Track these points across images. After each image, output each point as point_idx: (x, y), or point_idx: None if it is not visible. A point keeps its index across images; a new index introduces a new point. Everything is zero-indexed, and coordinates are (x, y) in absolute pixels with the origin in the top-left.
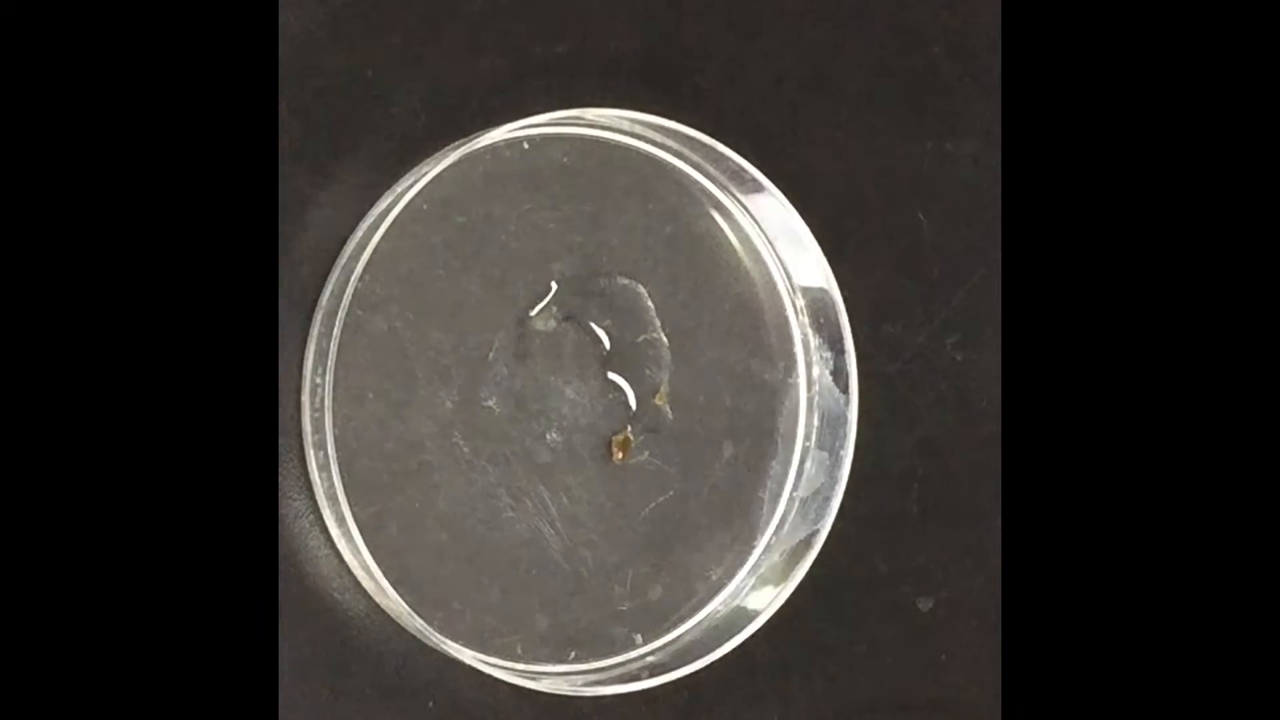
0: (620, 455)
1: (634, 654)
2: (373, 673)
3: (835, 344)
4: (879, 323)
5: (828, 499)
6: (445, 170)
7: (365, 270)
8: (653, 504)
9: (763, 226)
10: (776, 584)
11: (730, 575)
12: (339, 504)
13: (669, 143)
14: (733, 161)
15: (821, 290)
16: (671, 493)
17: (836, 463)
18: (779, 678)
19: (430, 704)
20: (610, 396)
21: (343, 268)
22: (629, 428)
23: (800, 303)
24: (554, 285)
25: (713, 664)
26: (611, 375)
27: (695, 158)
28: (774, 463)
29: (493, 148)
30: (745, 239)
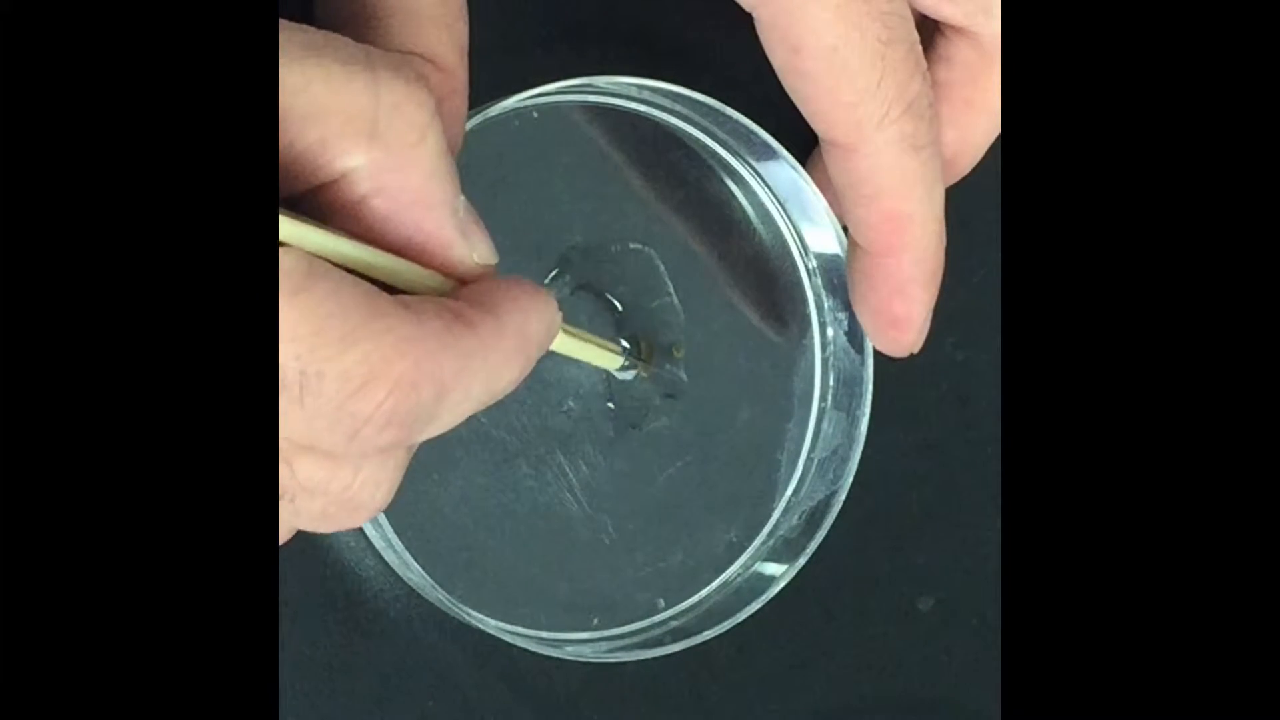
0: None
1: (657, 619)
2: (377, 659)
3: (849, 305)
4: None
5: (845, 459)
6: None
7: None
8: (671, 469)
9: (774, 189)
10: (797, 546)
11: (750, 538)
12: None
13: (679, 108)
14: (743, 126)
15: (834, 252)
16: (689, 457)
17: (853, 423)
18: (779, 677)
19: (430, 703)
20: (625, 363)
21: None
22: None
23: (813, 264)
24: (566, 254)
25: (712, 664)
26: (625, 342)
27: (705, 123)
28: (790, 424)
29: (502, 117)
30: (757, 202)
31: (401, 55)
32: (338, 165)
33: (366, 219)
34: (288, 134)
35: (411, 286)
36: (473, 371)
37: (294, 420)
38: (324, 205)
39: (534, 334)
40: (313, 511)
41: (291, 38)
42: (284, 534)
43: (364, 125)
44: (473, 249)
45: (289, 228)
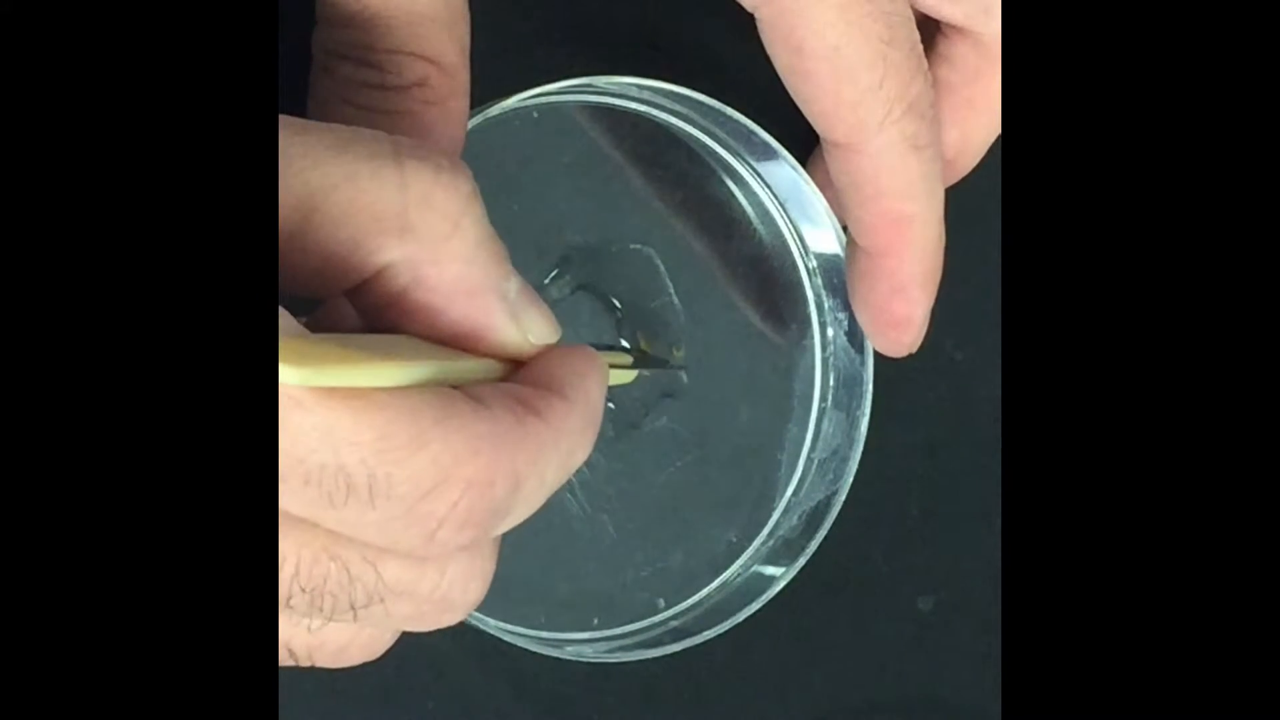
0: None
1: (657, 619)
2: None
3: (849, 304)
4: None
5: (845, 459)
6: None
7: None
8: (671, 469)
9: (774, 189)
10: (797, 546)
11: (750, 538)
12: None
13: (679, 108)
14: (743, 126)
15: (834, 252)
16: (689, 457)
17: (853, 423)
18: (779, 677)
19: (430, 703)
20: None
21: None
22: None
23: (813, 264)
24: (566, 254)
25: (712, 663)
26: (625, 341)
27: (705, 123)
28: (790, 424)
29: (502, 117)
30: (757, 202)
31: (432, 144)
32: (372, 262)
33: (411, 310)
34: (318, 236)
35: (470, 379)
36: (546, 459)
37: (369, 523)
38: (369, 299)
39: (597, 403)
40: (406, 613)
41: (318, 138)
42: (387, 639)
43: (394, 221)
44: (528, 330)
45: (335, 370)
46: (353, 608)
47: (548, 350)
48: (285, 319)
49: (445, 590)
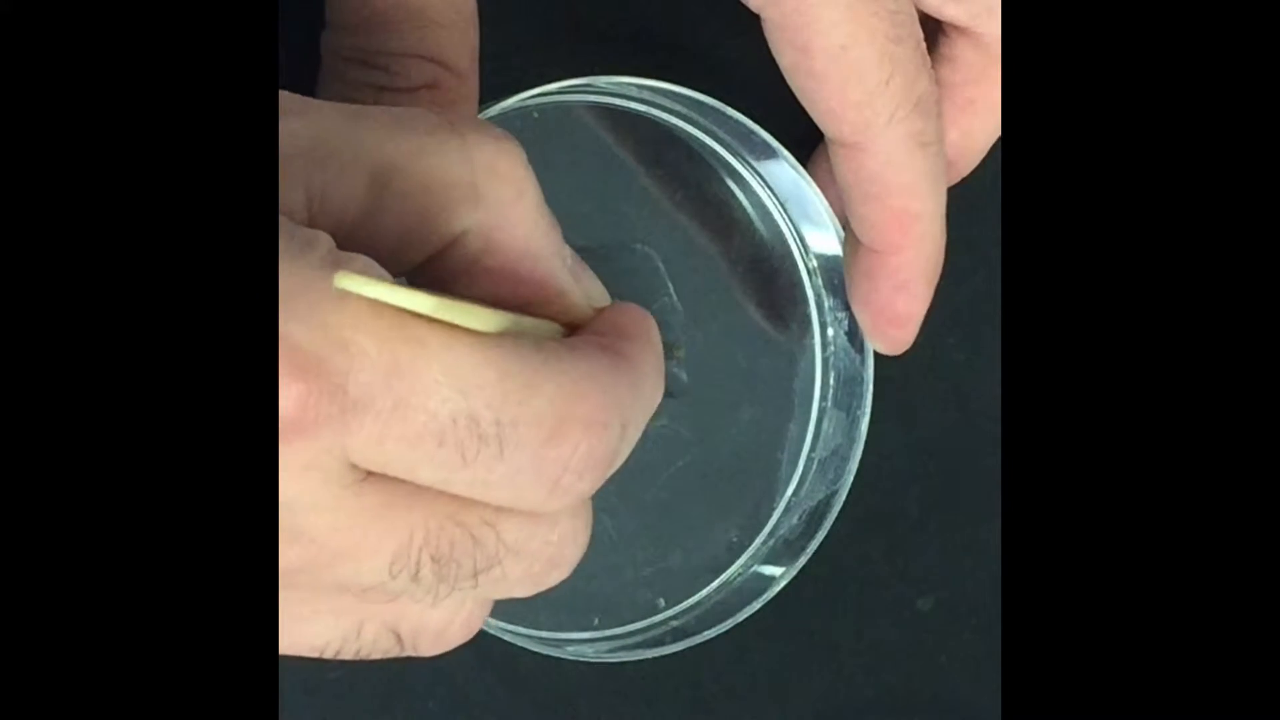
0: None
1: (657, 618)
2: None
3: (849, 304)
4: None
5: (845, 459)
6: None
7: None
8: (672, 469)
9: (774, 189)
10: (797, 546)
11: (750, 538)
12: None
13: (679, 108)
14: (743, 126)
15: (834, 252)
16: (689, 457)
17: (853, 422)
18: (779, 677)
19: (430, 703)
20: None
21: None
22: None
23: (813, 264)
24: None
25: (712, 663)
26: None
27: (705, 122)
28: (791, 424)
29: (502, 118)
30: (757, 202)
31: (484, 118)
32: (447, 231)
33: (482, 277)
34: (393, 210)
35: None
36: (639, 399)
37: (498, 477)
38: (438, 269)
39: (661, 350)
40: (518, 574)
41: (379, 118)
42: (482, 616)
43: (465, 190)
44: (587, 293)
45: (424, 300)
46: (475, 574)
47: (606, 307)
48: (380, 268)
49: (557, 546)
